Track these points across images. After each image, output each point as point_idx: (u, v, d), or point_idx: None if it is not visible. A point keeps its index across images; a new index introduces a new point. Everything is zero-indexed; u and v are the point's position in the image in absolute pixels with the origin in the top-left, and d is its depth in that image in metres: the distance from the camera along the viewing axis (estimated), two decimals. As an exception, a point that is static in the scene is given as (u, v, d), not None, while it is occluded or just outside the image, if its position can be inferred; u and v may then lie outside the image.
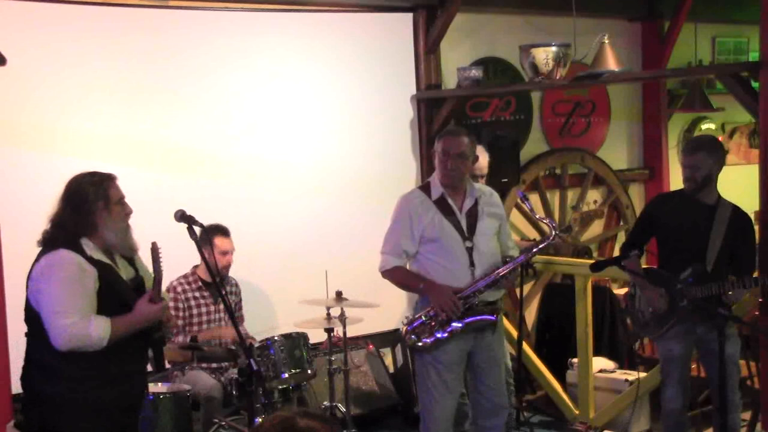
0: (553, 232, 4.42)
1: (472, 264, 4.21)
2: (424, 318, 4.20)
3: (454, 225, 4.23)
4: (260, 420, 3.05)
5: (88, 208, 3.40)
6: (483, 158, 5.05)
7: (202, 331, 5.09)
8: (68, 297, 3.31)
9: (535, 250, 4.33)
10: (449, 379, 4.25)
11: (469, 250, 4.21)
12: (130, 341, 3.42)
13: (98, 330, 3.30)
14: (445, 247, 4.21)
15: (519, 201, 4.44)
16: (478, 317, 4.20)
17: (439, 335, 4.16)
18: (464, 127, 6.71)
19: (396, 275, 4.31)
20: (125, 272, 3.53)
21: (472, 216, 4.28)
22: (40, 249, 3.44)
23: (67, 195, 3.45)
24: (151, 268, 3.54)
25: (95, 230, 3.40)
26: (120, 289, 3.45)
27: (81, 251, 3.37)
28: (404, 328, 4.27)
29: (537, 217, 4.68)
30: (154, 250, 3.45)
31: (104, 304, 3.37)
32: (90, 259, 3.37)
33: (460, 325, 4.16)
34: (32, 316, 3.40)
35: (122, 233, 3.46)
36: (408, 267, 4.36)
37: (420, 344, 4.20)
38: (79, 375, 3.36)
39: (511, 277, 4.26)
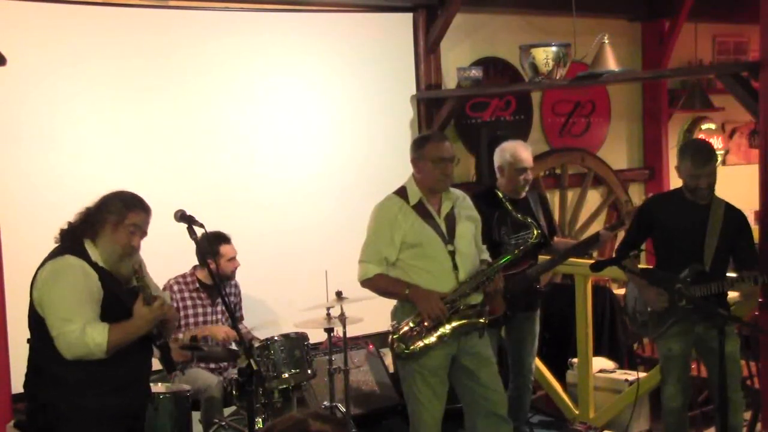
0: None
1: (455, 267, 4.11)
2: (411, 324, 4.08)
3: (435, 229, 4.13)
4: (272, 421, 3.02)
5: (100, 216, 3.42)
6: (527, 153, 4.88)
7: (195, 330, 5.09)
8: (73, 304, 3.30)
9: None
10: (434, 384, 4.14)
11: (452, 254, 4.11)
12: (133, 348, 3.41)
13: (94, 337, 3.28)
14: (427, 251, 4.10)
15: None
16: (467, 321, 4.10)
17: (427, 341, 4.05)
18: (464, 127, 6.72)
19: (378, 283, 4.17)
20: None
21: (451, 219, 4.19)
22: (50, 251, 3.43)
23: (98, 200, 3.47)
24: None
25: (95, 237, 3.41)
26: (122, 297, 3.43)
27: (86, 256, 3.38)
28: (390, 337, 4.14)
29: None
30: (137, 271, 3.44)
31: (108, 311, 3.37)
32: (94, 265, 3.38)
33: (447, 330, 4.06)
34: (37, 322, 3.39)
35: (114, 256, 3.42)
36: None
37: (407, 351, 4.08)
38: (83, 382, 3.35)
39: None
